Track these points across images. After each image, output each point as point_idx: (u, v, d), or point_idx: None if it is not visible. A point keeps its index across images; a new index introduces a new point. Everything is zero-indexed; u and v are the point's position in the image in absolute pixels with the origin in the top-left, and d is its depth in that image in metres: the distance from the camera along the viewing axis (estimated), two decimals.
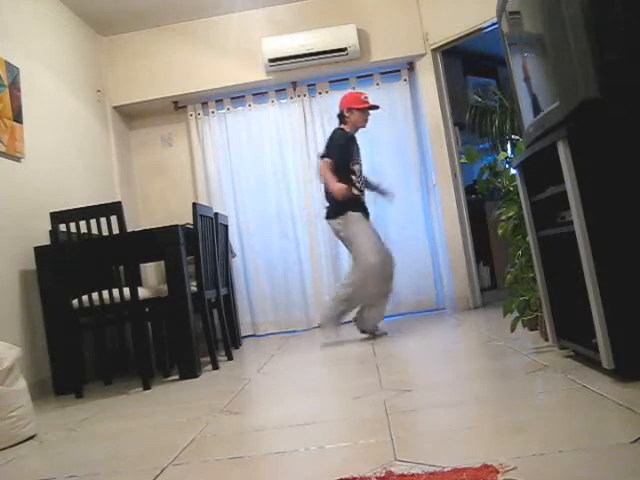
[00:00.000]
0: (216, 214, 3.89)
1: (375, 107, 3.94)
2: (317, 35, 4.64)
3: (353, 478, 1.32)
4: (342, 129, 3.91)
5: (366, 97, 3.96)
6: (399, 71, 4.95)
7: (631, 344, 1.76)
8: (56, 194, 3.69)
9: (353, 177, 3.83)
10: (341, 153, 3.80)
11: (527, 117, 2.32)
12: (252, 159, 4.99)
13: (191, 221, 3.49)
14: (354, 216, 3.79)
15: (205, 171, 5.01)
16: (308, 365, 3.26)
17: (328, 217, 3.88)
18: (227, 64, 4.80)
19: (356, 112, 3.89)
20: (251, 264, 4.94)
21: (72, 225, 3.07)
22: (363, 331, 3.81)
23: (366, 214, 3.87)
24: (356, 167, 3.87)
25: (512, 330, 2.71)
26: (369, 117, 3.95)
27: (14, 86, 3.37)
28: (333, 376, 2.93)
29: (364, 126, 3.95)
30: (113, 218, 3.03)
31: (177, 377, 3.20)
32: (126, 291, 3.06)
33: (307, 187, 4.89)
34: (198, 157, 5.02)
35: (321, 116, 4.91)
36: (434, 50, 4.74)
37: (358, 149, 3.93)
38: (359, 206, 3.85)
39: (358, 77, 4.93)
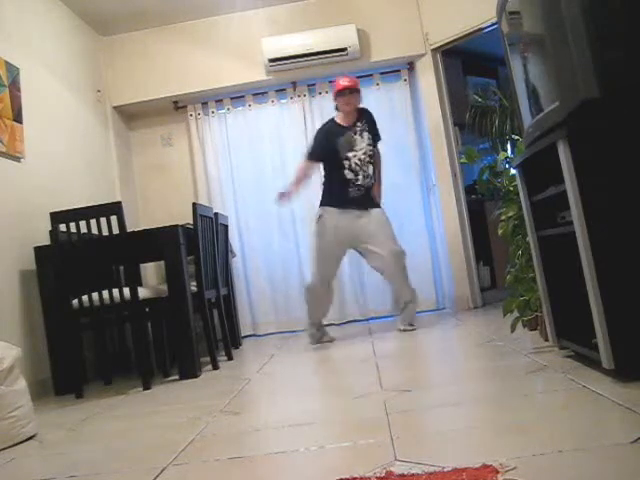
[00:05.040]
0: (216, 214, 3.89)
1: (347, 88, 3.84)
2: (317, 35, 4.64)
3: (353, 478, 1.32)
4: (325, 123, 4.03)
5: (345, 80, 3.90)
6: (399, 71, 4.95)
7: (631, 344, 1.75)
8: (56, 194, 3.69)
9: (344, 169, 3.82)
10: (313, 147, 3.95)
11: (527, 117, 2.32)
12: (252, 159, 4.99)
13: (191, 221, 3.49)
14: (323, 219, 3.83)
15: (205, 171, 5.01)
16: (308, 365, 3.26)
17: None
18: (227, 64, 4.80)
19: (338, 97, 3.91)
20: (251, 264, 4.94)
21: (72, 225, 3.07)
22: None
23: (350, 208, 3.80)
24: (347, 155, 3.83)
25: (512, 330, 2.71)
26: (354, 99, 3.88)
27: (14, 86, 3.37)
28: (333, 376, 2.92)
29: (347, 110, 3.89)
30: (113, 218, 3.03)
31: (177, 377, 3.20)
32: (126, 291, 3.06)
33: (307, 186, 4.87)
34: (198, 157, 5.02)
35: (321, 116, 4.89)
36: (434, 50, 4.74)
37: (349, 137, 3.87)
38: (339, 199, 3.83)
39: (358, 77, 4.89)
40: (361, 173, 3.84)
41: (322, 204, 3.91)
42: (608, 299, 1.77)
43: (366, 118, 3.97)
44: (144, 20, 4.69)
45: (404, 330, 3.82)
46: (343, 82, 3.89)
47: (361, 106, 4.01)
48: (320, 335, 3.86)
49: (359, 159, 3.84)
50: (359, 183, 3.84)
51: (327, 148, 3.88)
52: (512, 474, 1.21)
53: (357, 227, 3.82)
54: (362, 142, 3.89)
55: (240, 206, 4.98)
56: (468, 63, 5.75)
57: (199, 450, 1.76)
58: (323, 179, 4.06)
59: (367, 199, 3.87)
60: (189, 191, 5.02)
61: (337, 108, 3.98)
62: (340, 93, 3.88)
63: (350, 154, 3.85)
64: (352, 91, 3.88)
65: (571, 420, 1.58)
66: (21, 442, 2.15)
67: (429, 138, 4.81)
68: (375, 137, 3.99)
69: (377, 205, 3.91)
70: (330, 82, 4.93)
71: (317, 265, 3.84)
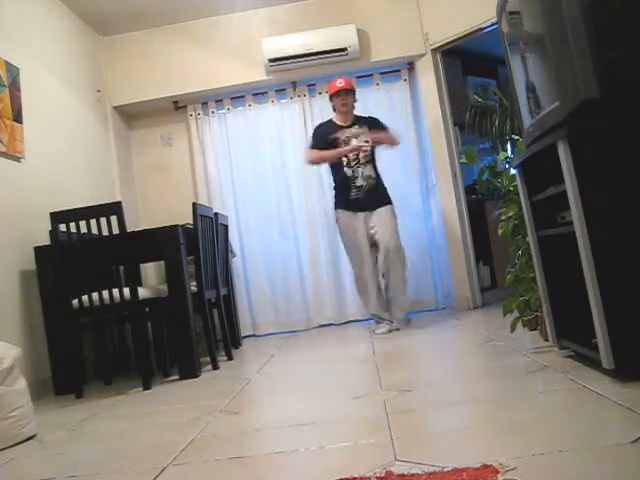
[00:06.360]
0: (216, 214, 3.89)
1: (342, 90, 3.97)
2: (317, 35, 4.64)
3: (353, 478, 1.32)
4: (322, 122, 4.20)
5: (340, 82, 4.02)
6: (399, 71, 4.95)
7: (631, 344, 1.76)
8: (56, 194, 3.69)
9: (344, 166, 3.94)
10: (314, 139, 4.08)
11: (527, 117, 2.32)
12: (252, 159, 4.99)
13: (191, 221, 3.49)
14: (338, 217, 4.00)
15: (205, 171, 5.01)
16: (308, 365, 3.26)
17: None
18: (227, 64, 4.80)
19: (334, 99, 4.05)
20: (251, 264, 4.94)
21: (72, 225, 3.07)
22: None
23: (356, 207, 3.91)
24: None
25: (512, 330, 2.71)
26: (350, 100, 4.02)
27: (14, 86, 3.37)
28: (333, 376, 2.92)
29: (344, 110, 4.02)
30: (113, 218, 3.03)
31: (177, 377, 3.20)
32: (126, 291, 3.06)
33: (307, 187, 4.89)
34: (198, 157, 5.02)
35: (321, 116, 4.88)
36: (434, 50, 4.73)
37: (345, 133, 3.99)
38: (344, 200, 3.95)
39: (358, 77, 4.92)
40: (359, 172, 3.93)
41: (335, 207, 4.06)
42: (608, 299, 1.77)
43: (368, 123, 4.06)
44: (144, 20, 4.69)
45: (389, 331, 3.85)
46: (339, 84, 4.00)
47: (368, 115, 4.17)
48: (378, 324, 3.96)
49: (354, 155, 3.93)
50: (358, 184, 3.93)
51: (327, 142, 3.98)
52: (512, 474, 1.21)
53: (366, 227, 3.94)
54: (358, 142, 3.97)
55: (240, 206, 4.98)
56: (468, 63, 5.76)
57: (199, 450, 1.76)
58: (332, 182, 4.15)
59: (370, 201, 3.93)
60: (189, 191, 5.02)
61: (334, 109, 4.10)
62: (336, 94, 4.01)
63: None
64: (348, 92, 4.01)
65: (571, 420, 1.58)
66: (21, 442, 2.15)
67: (429, 138, 4.81)
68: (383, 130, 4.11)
69: (386, 203, 3.97)
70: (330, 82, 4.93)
71: (350, 258, 4.04)
